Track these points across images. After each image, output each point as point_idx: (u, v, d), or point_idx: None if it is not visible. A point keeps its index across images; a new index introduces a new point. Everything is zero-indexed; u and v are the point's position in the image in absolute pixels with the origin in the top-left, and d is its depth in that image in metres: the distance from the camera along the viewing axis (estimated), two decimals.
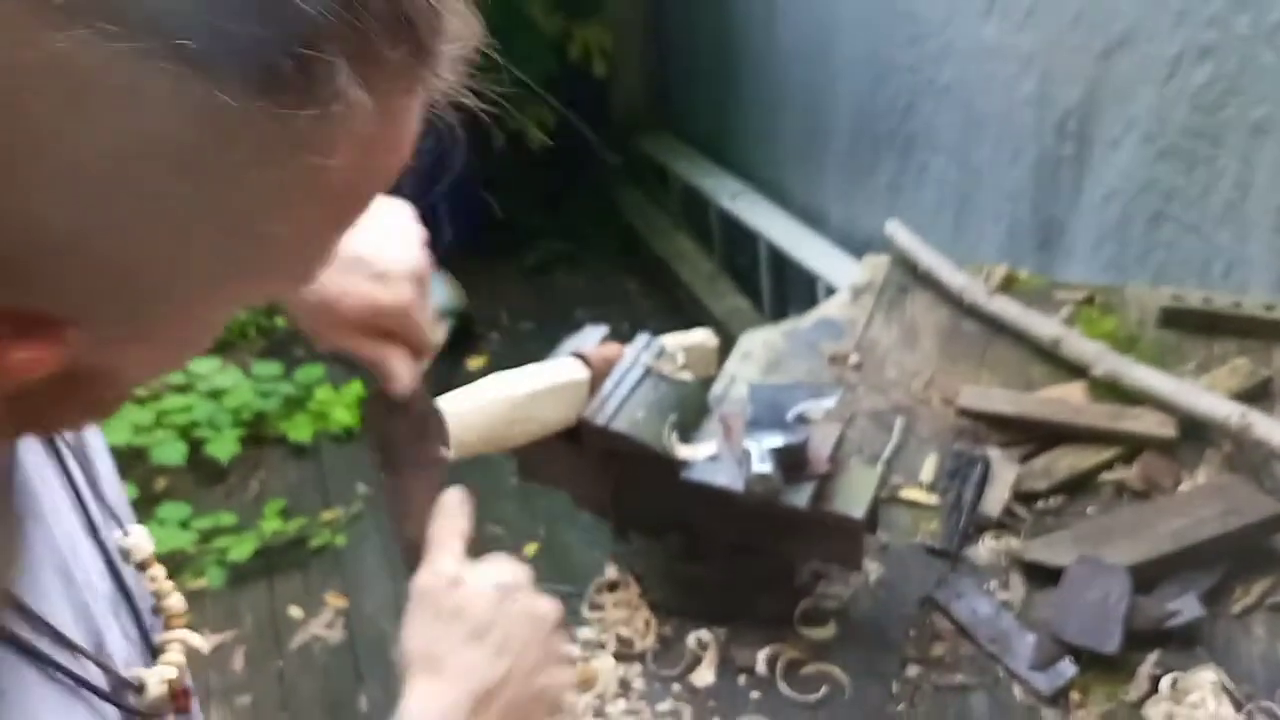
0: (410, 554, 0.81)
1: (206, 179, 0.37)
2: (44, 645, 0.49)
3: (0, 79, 0.33)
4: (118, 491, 0.65)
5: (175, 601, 0.63)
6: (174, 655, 0.60)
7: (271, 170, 0.38)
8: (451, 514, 0.80)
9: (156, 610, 0.62)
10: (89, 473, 0.61)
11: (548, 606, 0.77)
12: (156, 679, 0.57)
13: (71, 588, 0.54)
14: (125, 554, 0.61)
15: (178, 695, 0.59)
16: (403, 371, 0.82)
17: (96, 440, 0.64)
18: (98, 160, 0.35)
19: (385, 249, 0.79)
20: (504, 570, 0.77)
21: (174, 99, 0.35)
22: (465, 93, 0.45)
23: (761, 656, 1.12)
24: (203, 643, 0.63)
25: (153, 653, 0.61)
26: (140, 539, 0.62)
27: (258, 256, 0.42)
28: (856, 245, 2.82)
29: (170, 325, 0.43)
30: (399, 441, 0.86)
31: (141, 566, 0.62)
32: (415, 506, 0.83)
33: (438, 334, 0.84)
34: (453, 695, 0.70)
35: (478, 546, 0.80)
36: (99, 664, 0.53)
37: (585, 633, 1.18)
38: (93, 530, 0.59)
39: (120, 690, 0.55)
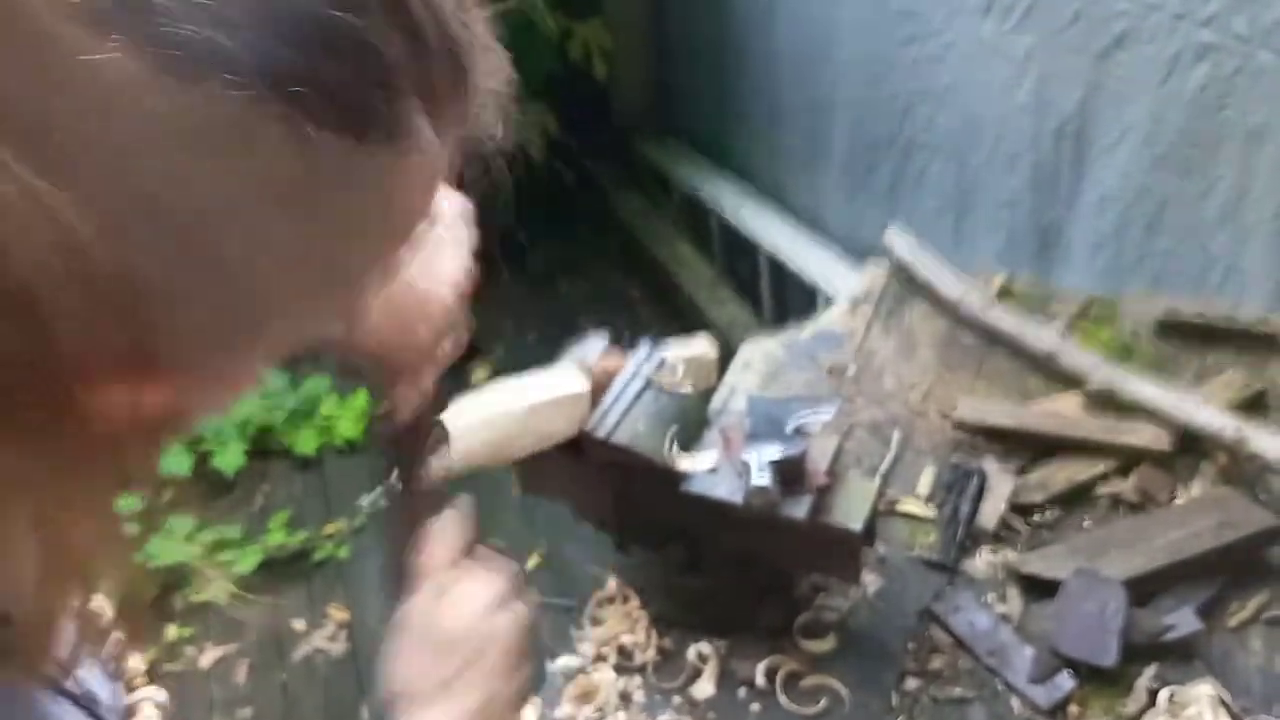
0: (397, 579, 0.82)
1: (306, 216, 0.38)
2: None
3: (126, 136, 0.34)
4: None
5: (134, 664, 0.64)
6: (148, 713, 0.61)
7: (355, 206, 0.39)
8: (441, 540, 0.81)
9: (117, 673, 0.61)
10: None
11: (519, 617, 0.80)
12: None
13: None
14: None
15: None
16: (410, 398, 0.84)
17: None
18: (213, 205, 0.36)
19: (425, 272, 0.80)
20: (481, 591, 0.79)
21: (282, 142, 0.36)
22: (499, 128, 0.45)
23: (761, 669, 1.13)
24: (166, 699, 0.64)
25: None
26: (99, 602, 0.62)
27: (332, 291, 0.42)
28: (858, 250, 2.82)
29: (249, 362, 0.43)
30: (402, 459, 0.88)
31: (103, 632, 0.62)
32: (406, 531, 0.83)
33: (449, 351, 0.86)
34: None
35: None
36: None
37: (586, 646, 1.18)
38: None
39: None
